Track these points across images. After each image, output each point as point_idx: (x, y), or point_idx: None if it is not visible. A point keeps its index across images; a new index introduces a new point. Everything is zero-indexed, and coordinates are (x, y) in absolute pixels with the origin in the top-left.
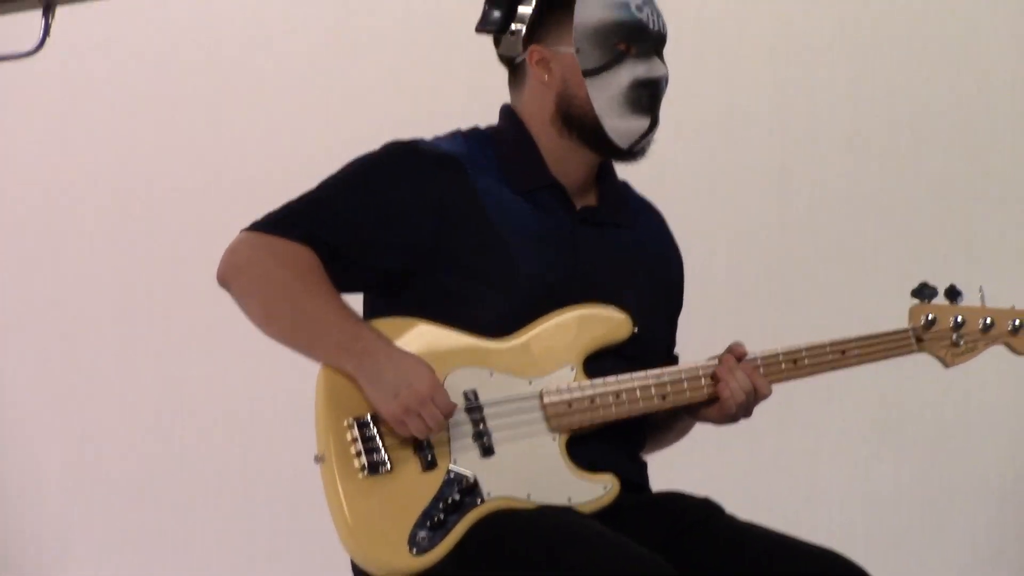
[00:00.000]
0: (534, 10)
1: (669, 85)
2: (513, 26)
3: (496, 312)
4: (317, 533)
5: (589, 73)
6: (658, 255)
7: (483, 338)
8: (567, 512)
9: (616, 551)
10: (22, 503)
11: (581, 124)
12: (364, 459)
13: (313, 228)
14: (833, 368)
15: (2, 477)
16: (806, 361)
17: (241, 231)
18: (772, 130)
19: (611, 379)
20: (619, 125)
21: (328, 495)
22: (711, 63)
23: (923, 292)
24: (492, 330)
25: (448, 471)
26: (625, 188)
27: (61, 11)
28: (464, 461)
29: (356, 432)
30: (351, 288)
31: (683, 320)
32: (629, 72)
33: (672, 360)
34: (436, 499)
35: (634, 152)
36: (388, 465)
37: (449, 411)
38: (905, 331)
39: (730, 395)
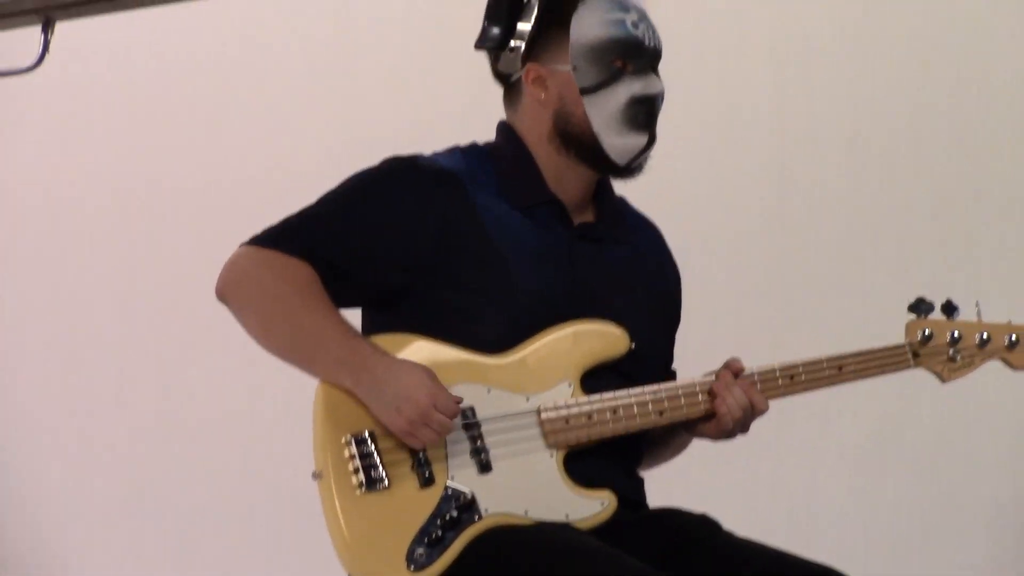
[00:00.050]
0: (532, 27)
1: (670, 91)
2: (512, 43)
3: (494, 328)
4: (315, 549)
5: (586, 91)
6: (655, 271)
7: (480, 354)
8: (565, 528)
9: (614, 567)
10: (23, 505)
11: (579, 142)
12: (362, 475)
13: (312, 243)
14: (830, 384)
15: (2, 477)
16: (803, 377)
17: (240, 246)
18: (771, 139)
19: (608, 395)
20: (617, 142)
21: (326, 511)
22: (710, 72)
23: (919, 307)
24: (490, 346)
25: (446, 487)
26: (623, 204)
27: (60, 27)
28: (462, 477)
29: (354, 449)
30: (349, 304)
31: (681, 333)
32: (626, 89)
33: (670, 375)
34: (434, 515)
35: (631, 169)
36: (386, 482)
37: (454, 411)
38: (902, 346)
39: (727, 411)
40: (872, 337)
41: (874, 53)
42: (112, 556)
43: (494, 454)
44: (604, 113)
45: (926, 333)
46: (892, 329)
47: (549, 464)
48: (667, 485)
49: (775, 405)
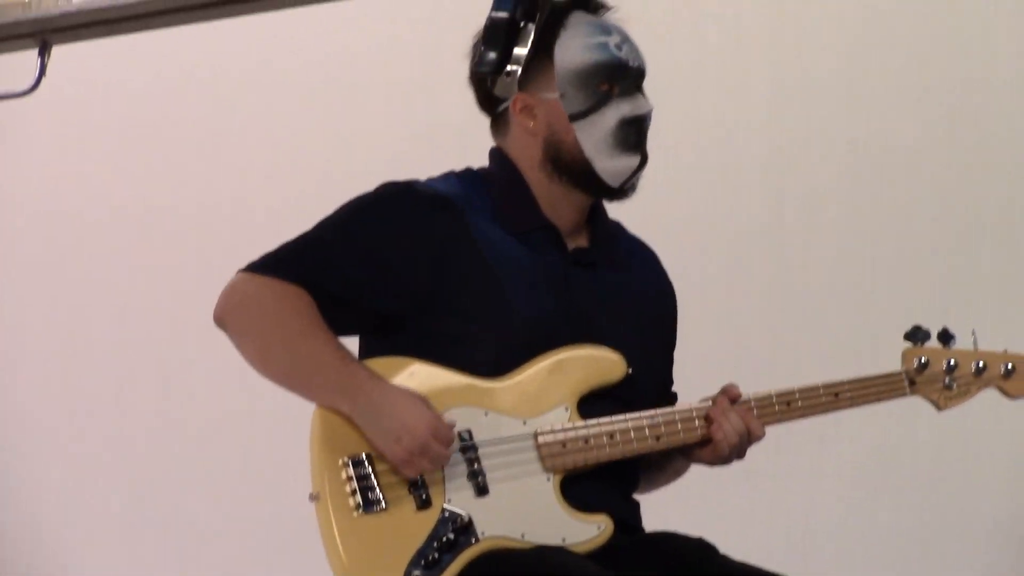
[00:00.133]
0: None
1: (669, 111)
2: (508, 67)
3: (491, 353)
4: (312, 571)
5: (575, 117)
6: (651, 294)
7: (478, 378)
8: (561, 552)
9: None
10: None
11: (571, 168)
12: (359, 498)
13: (309, 270)
14: (826, 410)
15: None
16: (799, 403)
17: (237, 272)
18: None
19: (605, 420)
20: (609, 165)
21: (323, 533)
22: (706, 92)
23: (916, 335)
24: (486, 371)
25: (443, 510)
26: (617, 228)
27: (57, 50)
28: (459, 500)
29: (351, 471)
30: (347, 331)
31: (678, 358)
32: (615, 112)
33: (670, 398)
34: (431, 538)
35: (625, 190)
36: (383, 504)
37: (450, 442)
38: (898, 374)
39: (723, 437)
40: (869, 364)
41: (872, 73)
42: (112, 557)
43: (491, 477)
44: (595, 137)
45: (922, 361)
46: (889, 356)
47: (546, 488)
48: (663, 509)
49: (771, 428)
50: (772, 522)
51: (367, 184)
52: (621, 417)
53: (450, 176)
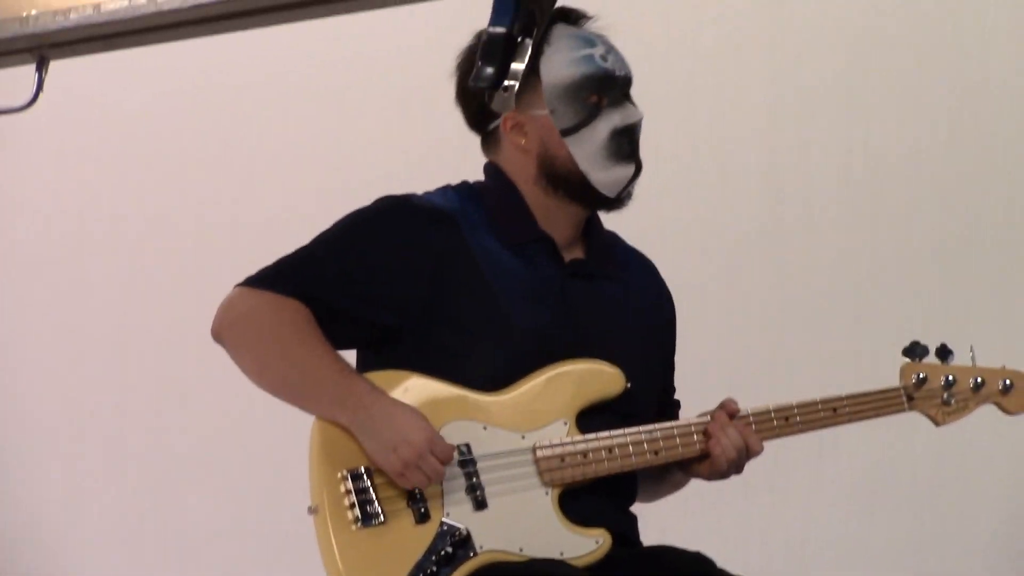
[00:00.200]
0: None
1: (667, 121)
2: (506, 82)
3: (488, 367)
4: None
5: (567, 132)
6: (649, 304)
7: (476, 391)
8: (559, 566)
9: None
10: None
11: (567, 182)
12: (358, 511)
13: (307, 284)
14: (824, 426)
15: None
16: (798, 418)
17: (235, 287)
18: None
19: (604, 434)
20: (605, 177)
21: (321, 546)
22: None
23: (914, 351)
24: (485, 384)
25: (441, 524)
26: (613, 239)
27: (54, 65)
28: (457, 514)
29: (350, 484)
30: (345, 344)
31: (677, 367)
32: (606, 123)
33: (671, 407)
34: (429, 551)
35: (622, 199)
36: (382, 517)
37: (448, 458)
38: (896, 389)
39: (721, 452)
40: (867, 378)
41: (870, 81)
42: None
43: (489, 491)
44: (588, 150)
45: (921, 377)
46: (887, 371)
47: (544, 502)
48: (661, 522)
49: (769, 442)
50: (770, 536)
51: (365, 198)
52: (620, 432)
53: (447, 190)
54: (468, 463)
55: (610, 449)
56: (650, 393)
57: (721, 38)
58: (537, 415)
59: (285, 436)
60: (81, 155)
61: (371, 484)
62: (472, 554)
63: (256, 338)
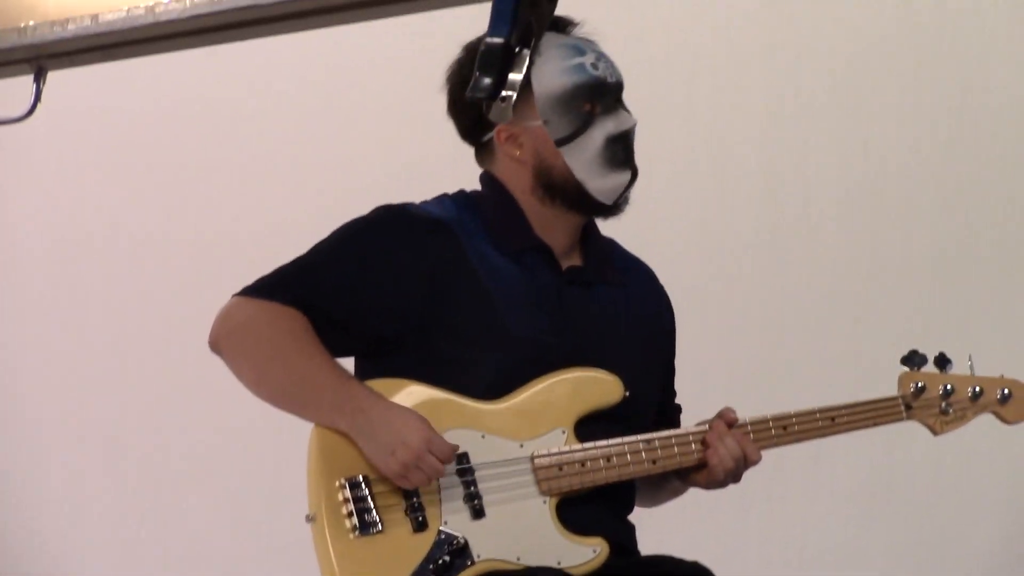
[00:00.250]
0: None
1: (666, 138)
2: (504, 92)
3: (487, 374)
4: None
5: (562, 142)
6: (648, 311)
7: (475, 400)
8: (557, 575)
9: None
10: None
11: (564, 191)
12: (355, 519)
13: (304, 293)
14: (822, 435)
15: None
16: (796, 427)
17: (232, 296)
18: (764, 187)
19: (602, 443)
20: (601, 184)
21: (319, 554)
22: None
23: (913, 360)
24: (484, 392)
25: (439, 532)
26: (611, 245)
27: (52, 76)
28: (455, 523)
29: (348, 492)
30: (343, 353)
31: (675, 378)
32: (600, 131)
33: (674, 411)
34: (426, 560)
35: (619, 205)
36: (379, 525)
37: (447, 456)
38: (894, 399)
39: (719, 462)
40: (866, 386)
41: (868, 90)
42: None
43: (487, 500)
44: (584, 159)
45: (919, 386)
46: (886, 380)
47: (542, 510)
48: (659, 532)
49: (768, 453)
50: (767, 545)
51: (362, 207)
52: (618, 440)
53: (444, 199)
54: (466, 471)
55: (608, 458)
56: (649, 400)
57: (721, 42)
58: (535, 423)
59: (286, 440)
60: (79, 166)
61: (369, 493)
62: (470, 563)
63: (254, 347)
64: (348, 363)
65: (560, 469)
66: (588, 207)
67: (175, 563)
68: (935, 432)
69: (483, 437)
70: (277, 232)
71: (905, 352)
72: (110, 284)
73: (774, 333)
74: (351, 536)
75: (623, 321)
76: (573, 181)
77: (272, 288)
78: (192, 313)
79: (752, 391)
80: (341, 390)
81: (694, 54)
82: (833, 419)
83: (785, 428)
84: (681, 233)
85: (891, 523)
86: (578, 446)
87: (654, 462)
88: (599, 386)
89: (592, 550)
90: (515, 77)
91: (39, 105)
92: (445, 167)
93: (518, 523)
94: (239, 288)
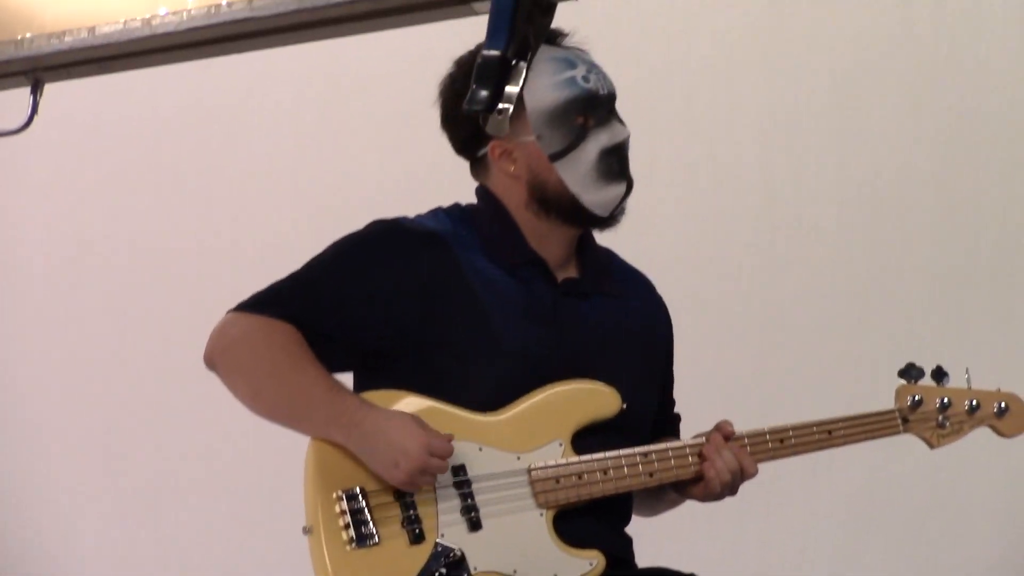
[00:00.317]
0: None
1: (662, 147)
2: (500, 105)
3: (482, 387)
4: None
5: (556, 156)
6: (645, 321)
7: (472, 412)
8: None
9: None
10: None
11: (558, 205)
12: (352, 531)
13: (299, 308)
14: (819, 448)
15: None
16: (792, 440)
17: (227, 312)
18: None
19: (599, 455)
20: (596, 198)
21: (316, 566)
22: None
23: (910, 372)
24: (479, 406)
25: (436, 545)
26: (608, 256)
27: (49, 88)
28: (452, 535)
29: (345, 504)
30: (339, 367)
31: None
32: (594, 144)
33: (673, 421)
34: (423, 572)
35: (615, 216)
36: (376, 538)
37: (447, 453)
38: (891, 412)
39: (715, 475)
40: (863, 400)
41: (864, 104)
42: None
43: (484, 512)
44: (578, 173)
45: (916, 399)
46: (883, 393)
47: (539, 523)
48: (656, 544)
49: (764, 466)
50: (764, 556)
51: (358, 219)
52: (615, 453)
53: (438, 212)
54: (463, 484)
55: (605, 471)
56: (647, 411)
57: (717, 51)
58: (532, 436)
59: (286, 442)
60: (76, 177)
61: (366, 504)
62: (466, 575)
63: (249, 363)
64: (346, 378)
65: (557, 482)
66: (583, 220)
67: (175, 564)
68: (931, 446)
69: (480, 449)
70: (273, 241)
71: (902, 361)
72: (108, 293)
73: (771, 341)
74: (348, 548)
75: (620, 332)
76: (568, 195)
77: (267, 303)
78: (190, 319)
79: (749, 400)
80: (335, 404)
81: (693, 61)
82: (830, 432)
83: (782, 441)
84: (679, 241)
85: (888, 535)
86: (575, 459)
87: (651, 475)
88: (596, 398)
89: (589, 563)
90: (512, 90)
91: (36, 117)
92: (441, 180)
93: (515, 536)
94: (235, 294)
